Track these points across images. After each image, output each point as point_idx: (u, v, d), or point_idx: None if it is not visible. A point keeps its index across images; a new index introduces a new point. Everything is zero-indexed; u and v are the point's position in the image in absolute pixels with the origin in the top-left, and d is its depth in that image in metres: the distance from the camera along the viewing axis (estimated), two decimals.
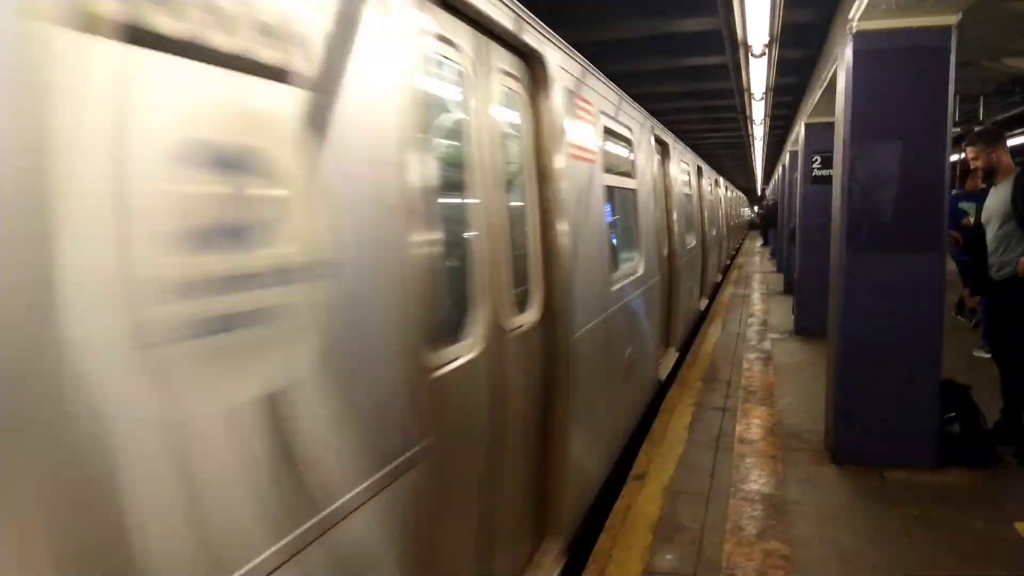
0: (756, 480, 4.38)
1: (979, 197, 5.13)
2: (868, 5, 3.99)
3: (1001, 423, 4.74)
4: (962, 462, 4.44)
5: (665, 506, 4.06)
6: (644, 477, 4.49)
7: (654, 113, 7.43)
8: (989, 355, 7.20)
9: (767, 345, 8.52)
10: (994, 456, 4.52)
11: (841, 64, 4.76)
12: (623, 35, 8.17)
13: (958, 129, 15.57)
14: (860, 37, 4.33)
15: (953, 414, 4.56)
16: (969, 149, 4.81)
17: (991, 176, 4.71)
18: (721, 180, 19.06)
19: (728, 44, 7.22)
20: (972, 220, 5.05)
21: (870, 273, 4.48)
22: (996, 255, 4.66)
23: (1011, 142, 17.31)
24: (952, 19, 4.16)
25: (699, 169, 11.65)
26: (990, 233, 4.71)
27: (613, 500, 4.18)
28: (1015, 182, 4.50)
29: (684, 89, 11.96)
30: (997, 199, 4.65)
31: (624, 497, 4.20)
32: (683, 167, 9.31)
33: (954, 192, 8.20)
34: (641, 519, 3.90)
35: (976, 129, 5.21)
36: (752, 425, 5.43)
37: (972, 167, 4.90)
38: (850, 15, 4.35)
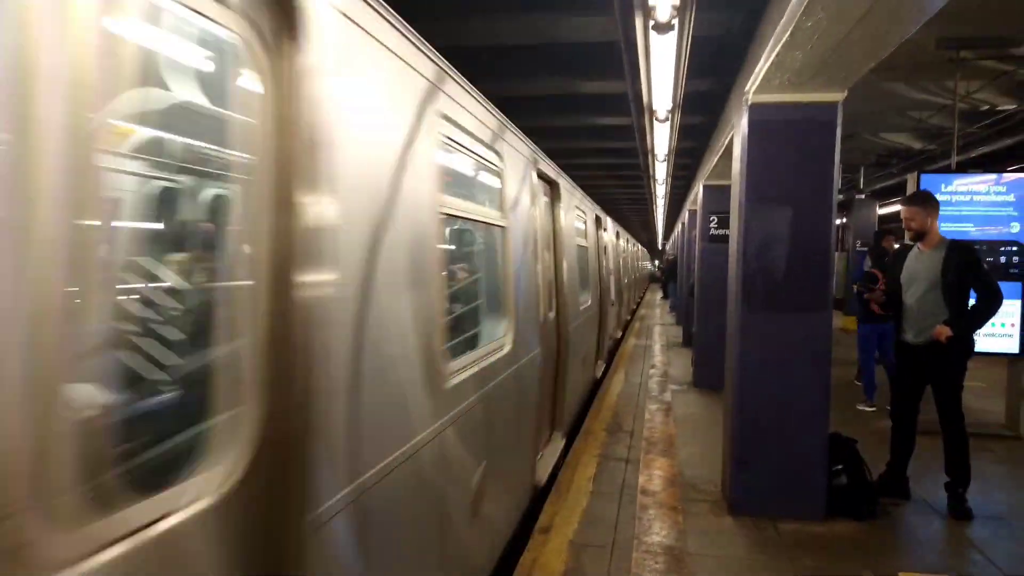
0: (658, 532, 4.44)
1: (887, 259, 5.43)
2: (763, 80, 4.27)
3: (886, 476, 5.02)
4: (849, 513, 4.65)
5: (570, 560, 4.06)
6: (549, 531, 4.48)
7: (564, 167, 7.63)
8: (872, 408, 7.66)
9: (668, 396, 8.74)
10: (879, 508, 4.75)
11: (737, 132, 5.05)
12: (534, 92, 8.41)
13: (841, 196, 16.74)
14: (755, 109, 4.62)
15: (840, 466, 4.79)
16: (906, 209, 4.89)
17: (920, 239, 4.87)
18: (623, 232, 19.34)
19: (634, 108, 7.54)
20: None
21: (763, 331, 4.69)
22: (916, 319, 4.82)
23: (885, 210, 18.73)
24: (839, 96, 4.50)
25: (598, 219, 10.73)
26: (911, 297, 4.86)
27: (519, 554, 4.15)
28: (949, 252, 4.70)
29: (591, 146, 12.37)
30: (925, 264, 4.80)
31: (530, 551, 4.17)
32: (578, 214, 8.15)
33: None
34: (546, 574, 3.88)
35: (914, 191, 5.44)
36: (654, 476, 5.53)
37: (906, 225, 4.93)
38: (746, 88, 4.65)
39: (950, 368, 4.76)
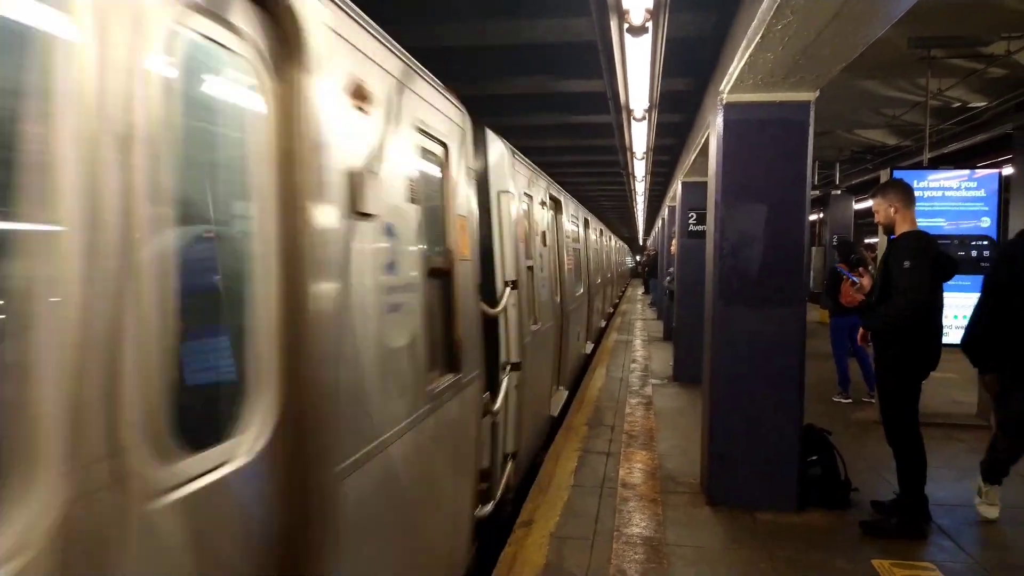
0: (638, 524, 4.52)
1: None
2: (736, 80, 4.35)
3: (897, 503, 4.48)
4: (823, 504, 4.75)
5: (551, 553, 4.12)
6: (531, 524, 4.55)
7: (542, 166, 7.71)
8: (847, 400, 7.80)
9: (648, 391, 8.84)
10: (851, 498, 4.84)
11: (713, 131, 5.13)
12: (512, 91, 8.46)
13: (816, 192, 16.95)
14: (729, 108, 4.70)
15: (815, 457, 4.89)
16: (872, 202, 4.55)
17: (890, 233, 4.49)
18: (605, 231, 19.96)
19: (612, 106, 7.61)
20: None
21: (739, 325, 4.78)
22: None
23: (861, 205, 18.96)
24: (811, 95, 4.59)
25: (586, 221, 12.30)
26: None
27: (500, 548, 4.21)
28: (889, 245, 4.44)
29: (571, 144, 12.44)
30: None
31: (511, 545, 4.24)
32: (572, 221, 9.90)
33: None
34: (527, 568, 3.94)
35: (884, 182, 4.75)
36: (634, 469, 5.61)
37: (875, 220, 4.58)
38: (721, 88, 4.73)
39: (883, 376, 4.42)
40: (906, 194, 4.43)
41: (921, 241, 4.26)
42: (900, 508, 4.39)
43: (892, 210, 4.40)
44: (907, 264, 4.12)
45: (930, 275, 4.12)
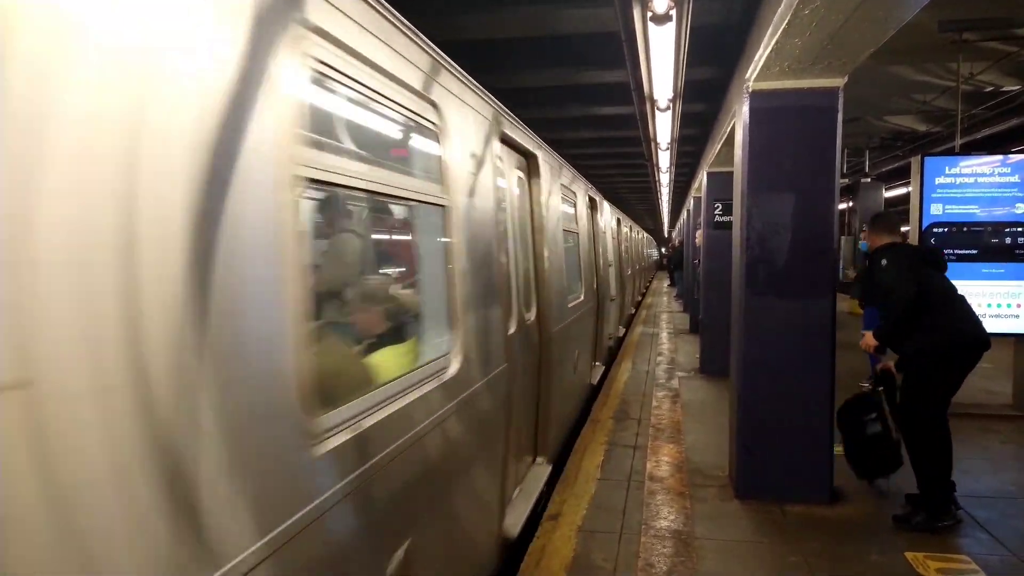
0: (666, 517, 4.50)
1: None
2: (763, 67, 4.28)
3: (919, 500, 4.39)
4: (884, 467, 4.58)
5: (578, 546, 4.12)
6: (558, 518, 4.54)
7: (568, 158, 7.68)
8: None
9: (675, 384, 8.79)
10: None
11: (739, 119, 5.07)
12: (536, 84, 8.43)
13: (846, 180, 16.70)
14: (756, 96, 4.63)
15: (874, 415, 4.61)
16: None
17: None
18: (634, 226, 20.54)
19: (636, 97, 7.55)
20: None
21: (767, 315, 4.72)
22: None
23: (893, 192, 18.61)
24: (839, 81, 4.51)
25: (619, 220, 13.82)
26: None
27: (529, 540, 4.21)
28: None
29: (596, 136, 12.40)
30: None
31: (539, 538, 4.24)
32: (608, 217, 11.25)
33: None
34: (555, 560, 3.94)
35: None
36: (662, 463, 5.58)
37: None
38: (747, 75, 4.66)
39: (906, 369, 4.41)
40: (888, 223, 4.75)
41: (894, 247, 4.50)
42: (923, 504, 4.31)
43: (876, 237, 4.67)
44: (884, 262, 4.36)
45: (910, 269, 4.26)
